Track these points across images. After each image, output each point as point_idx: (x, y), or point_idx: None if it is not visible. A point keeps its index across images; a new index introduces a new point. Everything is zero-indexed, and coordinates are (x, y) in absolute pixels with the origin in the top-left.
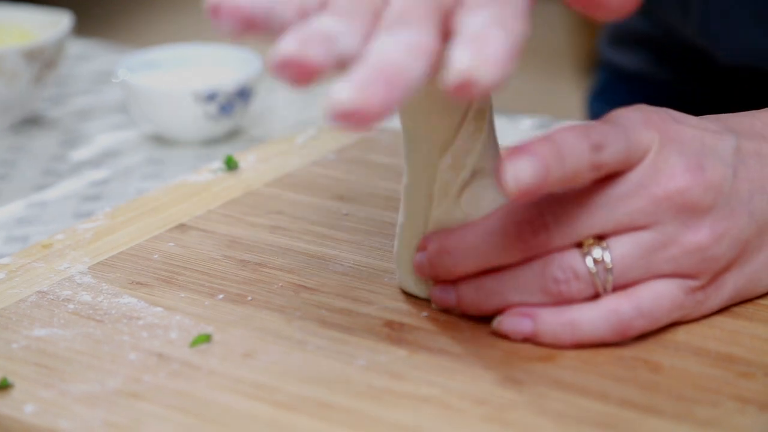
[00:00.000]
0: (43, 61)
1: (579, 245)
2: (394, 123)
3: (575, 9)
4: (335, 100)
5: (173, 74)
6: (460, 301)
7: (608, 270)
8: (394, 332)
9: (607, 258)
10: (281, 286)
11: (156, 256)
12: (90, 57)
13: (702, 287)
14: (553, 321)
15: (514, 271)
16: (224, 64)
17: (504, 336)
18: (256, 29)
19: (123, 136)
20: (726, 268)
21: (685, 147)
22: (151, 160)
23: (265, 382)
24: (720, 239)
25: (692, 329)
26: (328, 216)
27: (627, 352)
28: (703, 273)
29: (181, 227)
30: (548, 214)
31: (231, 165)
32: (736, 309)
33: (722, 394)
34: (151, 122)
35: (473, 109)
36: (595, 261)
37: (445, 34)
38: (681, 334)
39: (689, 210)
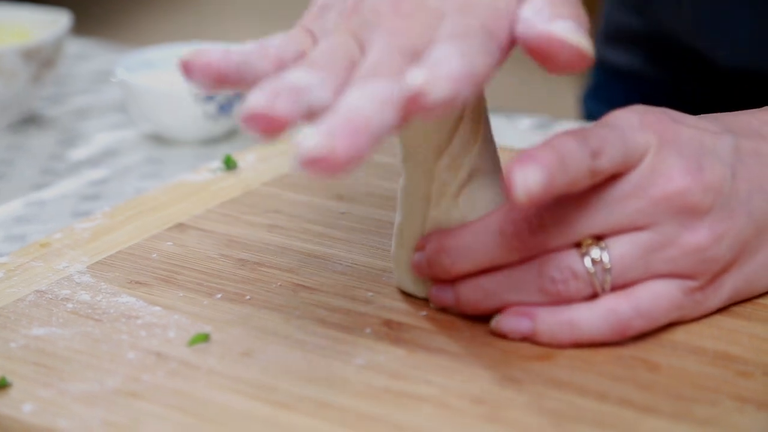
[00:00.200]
0: (42, 60)
1: (577, 245)
2: None
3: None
4: (302, 147)
5: (172, 74)
6: (458, 301)
7: (606, 270)
8: (392, 331)
9: (606, 258)
10: (280, 285)
11: (154, 256)
12: (88, 56)
13: (701, 288)
14: (552, 320)
15: (512, 271)
16: None
17: (502, 335)
18: (230, 84)
19: (121, 136)
20: (725, 269)
21: (683, 148)
22: (150, 160)
23: (264, 381)
24: (719, 240)
25: (690, 328)
26: (327, 215)
27: (625, 351)
28: (702, 274)
29: (180, 226)
30: (546, 214)
31: (230, 164)
32: (735, 308)
33: (720, 393)
34: (149, 122)
35: (469, 110)
36: (594, 261)
37: None
38: (679, 334)
39: (688, 211)
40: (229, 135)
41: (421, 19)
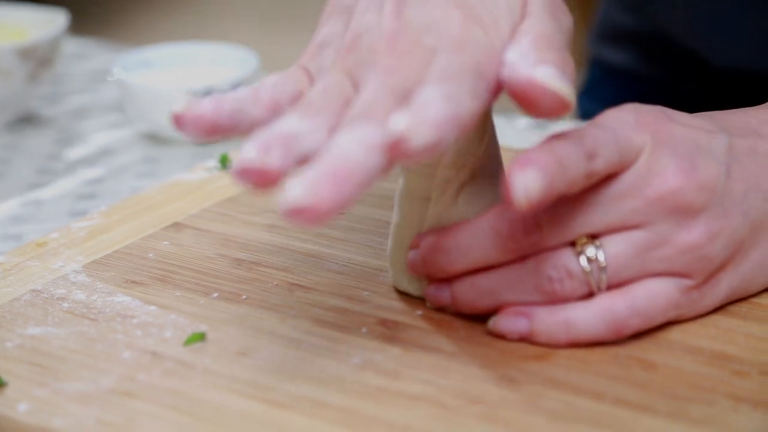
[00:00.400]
0: (38, 59)
1: (572, 244)
2: None
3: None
4: (286, 198)
5: (168, 73)
6: (454, 300)
7: (602, 269)
8: (388, 331)
9: (601, 257)
10: (276, 284)
11: (151, 255)
12: (85, 56)
13: (697, 286)
14: (549, 320)
15: (508, 270)
16: (219, 62)
17: (500, 335)
18: (224, 133)
19: (118, 135)
20: (721, 268)
21: (677, 147)
22: (146, 159)
23: (260, 380)
24: (714, 239)
25: (686, 328)
26: None
27: (621, 350)
28: (698, 272)
29: (176, 226)
30: (541, 213)
31: (226, 163)
32: (731, 307)
33: (716, 392)
34: (146, 121)
35: None
36: (589, 260)
37: None
38: (675, 333)
39: (682, 210)
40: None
41: (415, 56)
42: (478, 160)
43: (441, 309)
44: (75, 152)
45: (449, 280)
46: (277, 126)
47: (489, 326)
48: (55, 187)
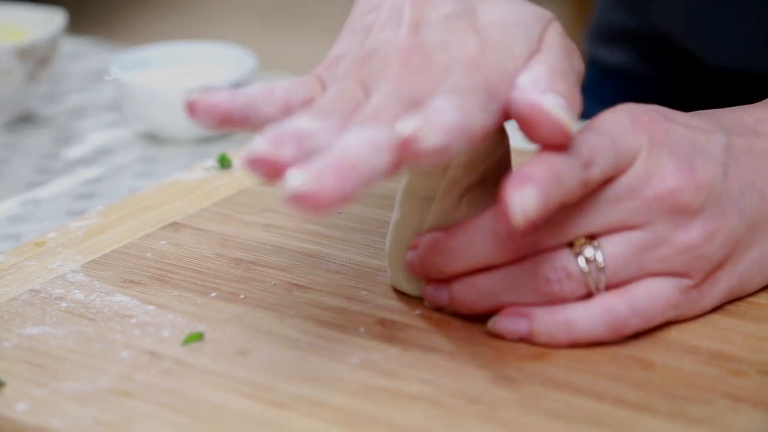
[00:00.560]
0: (37, 59)
1: (570, 245)
2: None
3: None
4: (290, 184)
5: (166, 72)
6: (452, 300)
7: (600, 269)
8: (386, 330)
9: (599, 257)
10: (274, 284)
11: (149, 255)
12: (83, 55)
13: (696, 286)
14: (549, 321)
15: (507, 271)
16: (217, 62)
17: (499, 336)
18: (235, 125)
19: (116, 135)
20: (718, 267)
21: (674, 147)
22: (144, 159)
23: (258, 380)
24: (711, 238)
25: (685, 327)
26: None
27: (620, 350)
28: (696, 272)
29: (174, 225)
30: (529, 226)
31: (224, 163)
32: (729, 307)
33: (715, 392)
34: (144, 120)
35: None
36: (587, 260)
37: None
38: (674, 333)
39: (680, 210)
40: (224, 134)
41: (428, 72)
42: (490, 166)
43: (439, 309)
44: (73, 152)
45: (447, 280)
46: (290, 123)
47: (489, 327)
48: (53, 186)
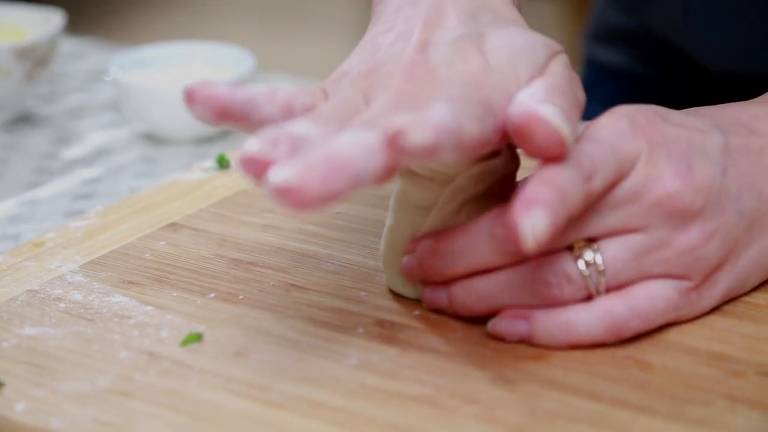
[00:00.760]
0: (35, 59)
1: (569, 248)
2: None
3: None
4: (275, 177)
5: (165, 72)
6: (451, 303)
7: (600, 272)
8: (385, 331)
9: (599, 260)
10: (273, 285)
11: (147, 255)
12: (82, 55)
13: (695, 288)
14: (549, 322)
15: (506, 274)
16: (216, 62)
17: (499, 338)
18: (233, 119)
19: (115, 135)
20: (717, 267)
21: (672, 150)
22: (144, 159)
23: (256, 380)
24: (710, 239)
25: (683, 328)
26: (320, 215)
27: (619, 351)
28: (696, 273)
29: (173, 226)
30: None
31: (223, 164)
32: (727, 308)
33: (713, 393)
34: (143, 120)
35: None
36: (587, 264)
37: None
38: (672, 334)
39: (680, 213)
40: (223, 134)
41: (428, 85)
42: (497, 180)
43: (438, 311)
44: (72, 152)
45: (446, 283)
46: (287, 126)
47: (488, 328)
48: (52, 186)
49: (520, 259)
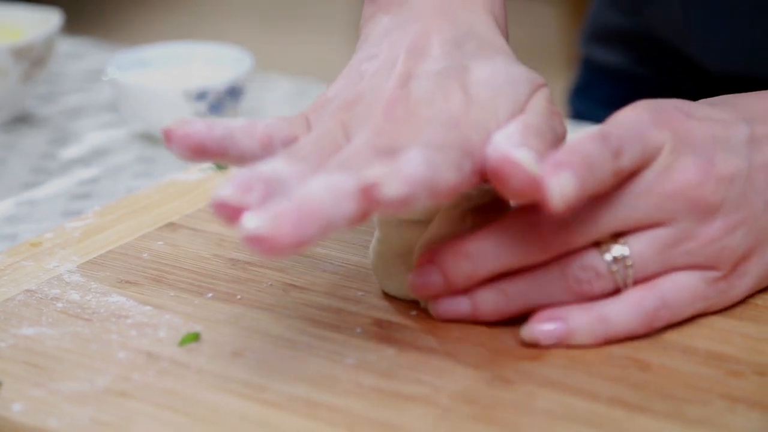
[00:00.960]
0: (33, 59)
1: (597, 244)
2: None
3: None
4: (246, 225)
5: (163, 73)
6: (476, 309)
7: (628, 267)
8: (382, 331)
9: (627, 254)
10: (271, 285)
11: (145, 255)
12: (80, 55)
13: (724, 277)
14: (585, 319)
15: (535, 273)
16: (215, 62)
17: (534, 343)
18: (212, 156)
19: (113, 135)
20: (745, 257)
21: (696, 144)
22: (141, 159)
23: (254, 380)
24: (734, 230)
25: (682, 328)
26: None
27: (617, 351)
28: (722, 264)
29: (171, 226)
30: (567, 213)
31: (221, 164)
32: (727, 308)
33: (712, 392)
34: (141, 120)
35: None
36: (615, 258)
37: None
38: (671, 333)
39: (702, 205)
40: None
41: (408, 124)
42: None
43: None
44: (70, 152)
45: (465, 290)
46: (262, 166)
47: (523, 335)
48: (50, 186)
49: (549, 257)
